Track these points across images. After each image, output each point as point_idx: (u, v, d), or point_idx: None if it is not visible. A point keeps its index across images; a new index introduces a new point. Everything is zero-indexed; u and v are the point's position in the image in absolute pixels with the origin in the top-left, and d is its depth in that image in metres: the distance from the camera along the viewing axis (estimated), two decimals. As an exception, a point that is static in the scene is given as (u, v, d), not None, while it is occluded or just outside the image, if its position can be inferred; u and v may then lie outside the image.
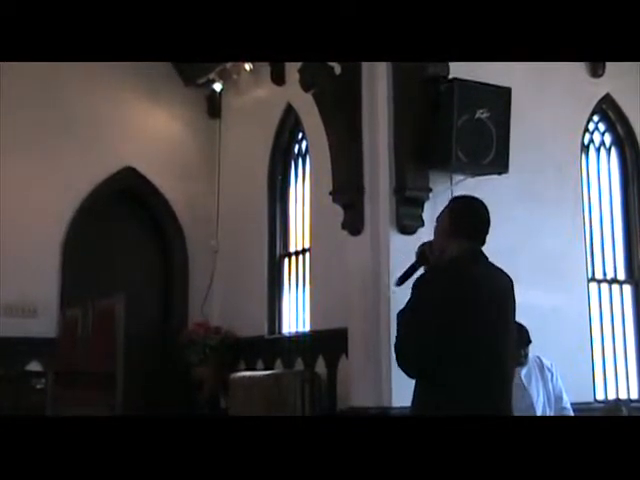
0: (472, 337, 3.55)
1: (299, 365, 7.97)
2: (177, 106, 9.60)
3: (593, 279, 7.88)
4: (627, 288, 8.14)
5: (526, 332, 5.63)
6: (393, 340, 5.19)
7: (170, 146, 9.52)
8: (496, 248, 6.61)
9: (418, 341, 3.60)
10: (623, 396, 7.84)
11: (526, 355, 5.71)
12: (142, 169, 9.30)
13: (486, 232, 3.84)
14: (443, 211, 3.91)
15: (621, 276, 8.14)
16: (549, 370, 6.03)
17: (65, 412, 6.48)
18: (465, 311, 3.57)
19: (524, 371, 5.75)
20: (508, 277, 3.81)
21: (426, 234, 6.77)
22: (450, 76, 6.67)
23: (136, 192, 9.40)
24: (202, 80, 9.40)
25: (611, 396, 7.76)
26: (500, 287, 3.73)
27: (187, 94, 9.57)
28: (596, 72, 7.94)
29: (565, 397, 5.97)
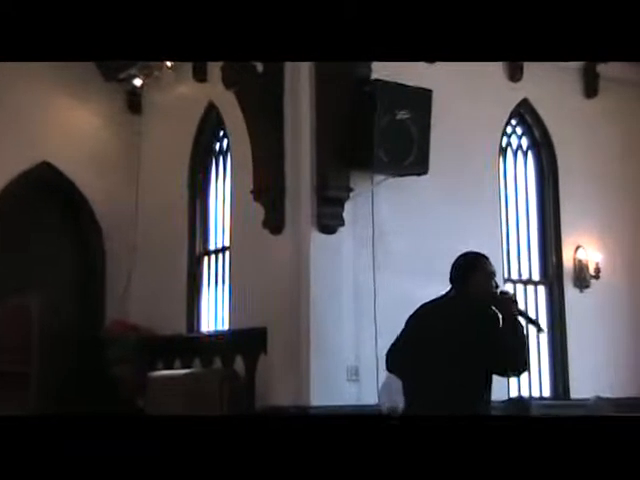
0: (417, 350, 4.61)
1: (218, 364, 7.92)
2: (97, 101, 9.43)
3: (509, 279, 8.03)
4: (541, 288, 8.31)
5: None
6: (313, 339, 5.83)
7: (89, 142, 9.34)
8: (415, 248, 6.76)
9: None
10: (535, 394, 8.02)
11: None
12: (60, 164, 9.10)
13: (453, 280, 4.76)
14: None
15: (536, 277, 8.31)
16: None
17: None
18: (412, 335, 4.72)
19: None
20: (471, 306, 4.59)
21: (347, 233, 6.85)
22: (372, 77, 6.72)
23: (53, 188, 9.21)
24: (123, 75, 9.26)
25: (524, 394, 7.91)
26: (449, 316, 4.59)
27: (107, 89, 9.41)
28: (514, 76, 8.09)
29: None
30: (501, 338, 4.44)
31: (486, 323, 4.51)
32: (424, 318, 4.74)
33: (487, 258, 4.81)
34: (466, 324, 4.51)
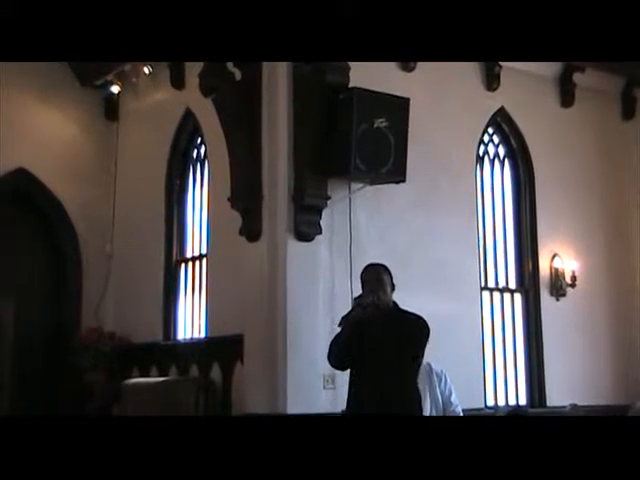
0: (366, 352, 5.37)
1: (194, 372, 7.88)
2: (73, 107, 9.37)
3: (486, 287, 8.05)
4: (518, 297, 8.34)
5: None
6: (289, 347, 6.67)
7: (65, 148, 9.28)
8: (392, 256, 6.76)
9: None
10: (512, 402, 8.04)
11: None
12: (35, 171, 9.02)
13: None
14: (384, 273, 5.48)
15: (512, 285, 8.33)
16: (437, 375, 6.18)
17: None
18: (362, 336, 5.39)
19: None
20: (414, 318, 5.49)
21: (324, 241, 6.84)
22: (350, 85, 6.73)
23: (28, 195, 9.13)
24: (99, 82, 9.22)
25: (501, 402, 7.94)
26: (399, 325, 5.43)
27: (83, 95, 9.36)
28: (491, 85, 8.13)
29: (454, 399, 6.11)
30: None
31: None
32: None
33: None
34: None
